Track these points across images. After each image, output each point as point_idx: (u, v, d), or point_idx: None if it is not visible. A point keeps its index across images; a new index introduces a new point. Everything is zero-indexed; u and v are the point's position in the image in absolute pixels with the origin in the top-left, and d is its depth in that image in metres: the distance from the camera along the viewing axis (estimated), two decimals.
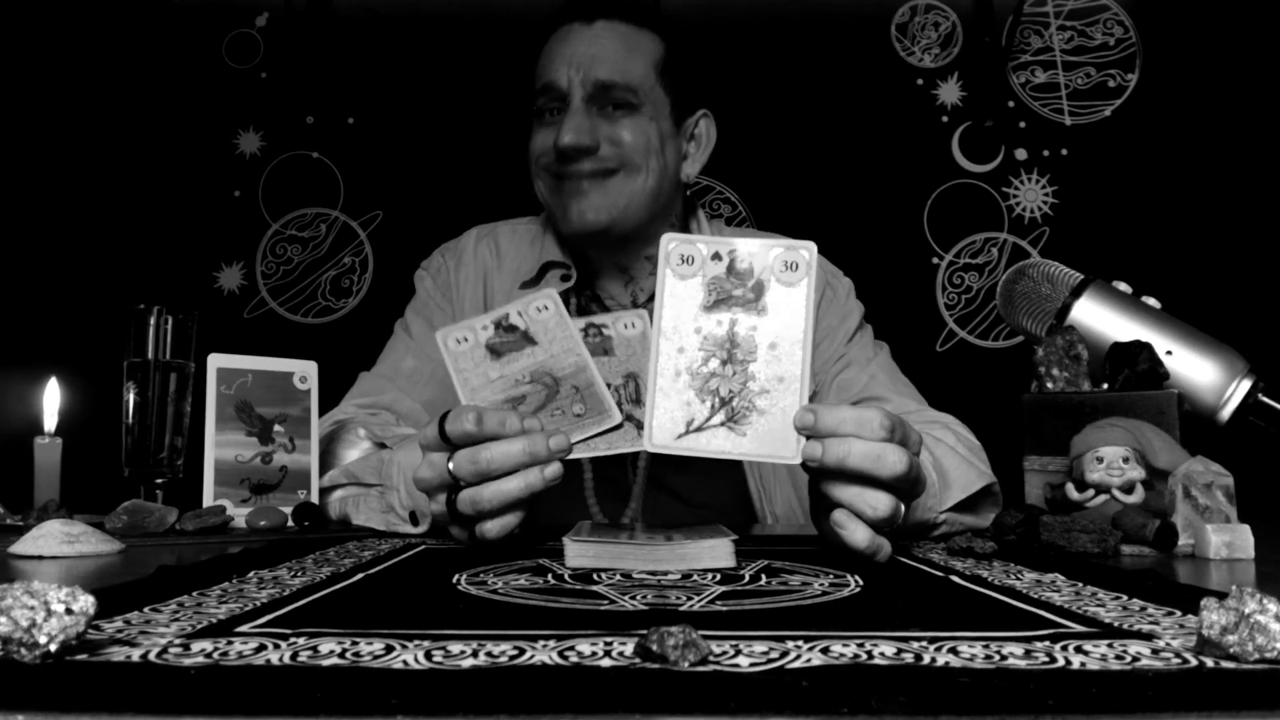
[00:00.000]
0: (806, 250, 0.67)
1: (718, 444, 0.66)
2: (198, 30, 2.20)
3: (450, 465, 0.71)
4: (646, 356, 0.75)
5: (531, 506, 0.72)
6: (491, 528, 0.71)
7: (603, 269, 1.17)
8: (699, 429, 0.66)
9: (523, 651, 0.37)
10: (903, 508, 0.67)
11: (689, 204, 1.23)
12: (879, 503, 0.65)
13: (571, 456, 0.72)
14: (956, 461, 0.89)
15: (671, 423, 0.66)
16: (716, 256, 0.67)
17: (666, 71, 1.12)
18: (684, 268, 0.67)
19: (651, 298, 1.17)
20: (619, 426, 0.74)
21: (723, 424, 0.66)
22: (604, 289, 1.18)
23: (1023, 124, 2.14)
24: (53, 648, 0.34)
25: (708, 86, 1.21)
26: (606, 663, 0.35)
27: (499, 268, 1.20)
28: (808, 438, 0.65)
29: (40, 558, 0.69)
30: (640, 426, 0.74)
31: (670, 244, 0.68)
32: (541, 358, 0.75)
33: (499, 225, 1.26)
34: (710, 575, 0.59)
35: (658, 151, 1.11)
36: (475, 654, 0.36)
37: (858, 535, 0.65)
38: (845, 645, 0.38)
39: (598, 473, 1.11)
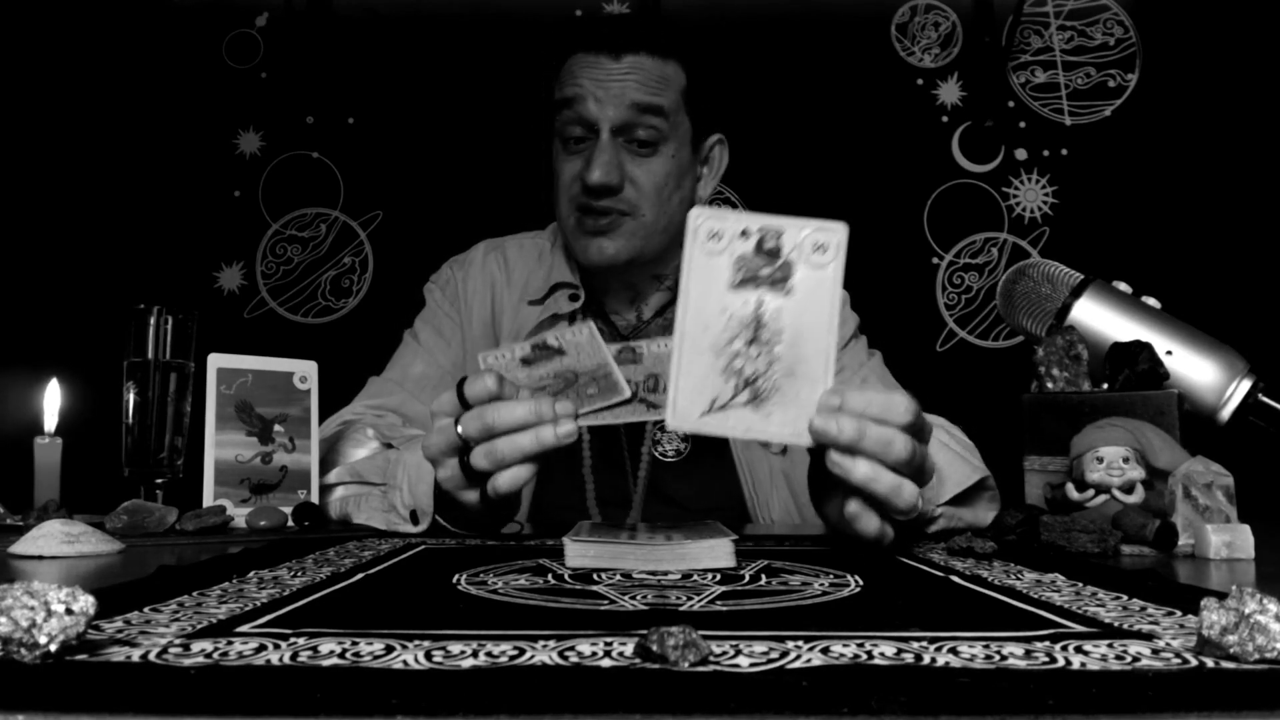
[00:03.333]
0: (837, 231, 0.65)
1: (741, 424, 0.65)
2: (198, 30, 2.20)
3: (459, 427, 0.73)
4: (670, 361, 0.74)
5: (543, 464, 0.74)
6: (504, 479, 0.73)
7: (610, 288, 1.19)
8: (722, 408, 0.65)
9: (523, 651, 0.37)
10: (918, 493, 0.67)
11: None
12: (903, 489, 0.65)
13: (581, 424, 0.73)
14: (950, 457, 0.90)
15: (694, 401, 0.65)
16: (744, 234, 0.65)
17: (690, 100, 1.13)
18: (711, 244, 0.65)
19: (657, 314, 1.19)
20: (628, 401, 0.74)
21: (746, 404, 0.64)
22: (611, 306, 1.20)
23: (1023, 124, 2.14)
24: (53, 648, 0.34)
25: (725, 108, 1.22)
26: (606, 663, 0.35)
27: (507, 282, 1.21)
28: None
29: (40, 558, 0.69)
30: (650, 406, 0.73)
31: (698, 219, 0.65)
32: (568, 363, 0.76)
33: (507, 240, 1.27)
34: (710, 575, 0.59)
35: (675, 188, 1.12)
36: (475, 654, 0.36)
37: (872, 525, 0.67)
38: (845, 645, 0.38)
39: (600, 480, 1.12)
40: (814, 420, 0.64)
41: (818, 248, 0.65)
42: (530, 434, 0.72)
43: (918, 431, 0.67)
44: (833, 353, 0.65)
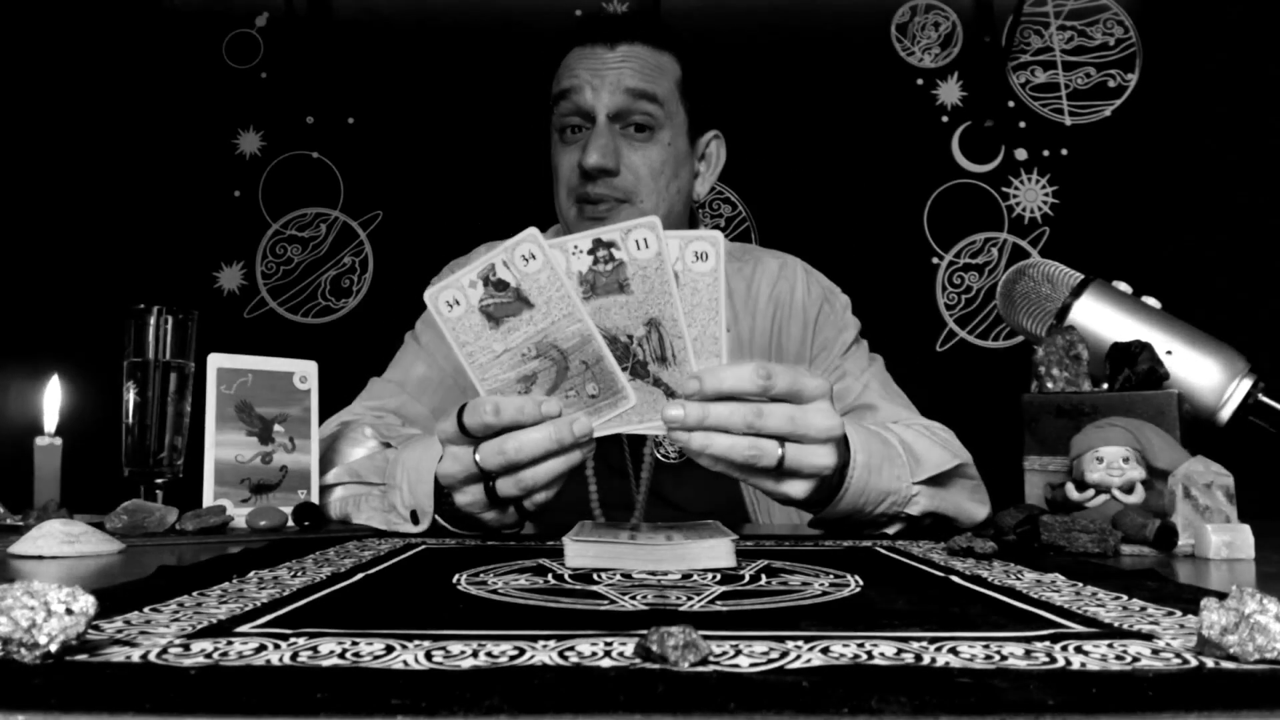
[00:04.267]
0: (714, 240, 0.69)
1: (654, 426, 0.72)
2: (197, 31, 2.20)
3: (477, 457, 0.74)
4: (667, 292, 0.71)
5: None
6: (540, 497, 0.77)
7: None
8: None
9: (523, 651, 0.37)
10: (780, 449, 0.72)
11: (694, 219, 1.25)
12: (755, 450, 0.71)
13: (596, 435, 0.74)
14: (929, 444, 0.93)
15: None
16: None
17: (686, 91, 1.15)
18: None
19: None
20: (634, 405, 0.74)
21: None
22: None
23: (1023, 124, 2.14)
24: (53, 648, 0.34)
25: (721, 105, 1.23)
26: (606, 663, 0.35)
27: None
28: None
29: (40, 558, 0.69)
30: (668, 391, 0.72)
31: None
32: (542, 325, 0.72)
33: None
34: (710, 575, 0.59)
35: (672, 176, 1.13)
36: (475, 654, 0.36)
37: (733, 473, 0.73)
38: (845, 645, 0.38)
39: (602, 483, 1.12)
40: (663, 412, 0.70)
41: (699, 256, 0.69)
42: (561, 459, 0.73)
43: (793, 396, 0.71)
44: (724, 353, 0.70)
